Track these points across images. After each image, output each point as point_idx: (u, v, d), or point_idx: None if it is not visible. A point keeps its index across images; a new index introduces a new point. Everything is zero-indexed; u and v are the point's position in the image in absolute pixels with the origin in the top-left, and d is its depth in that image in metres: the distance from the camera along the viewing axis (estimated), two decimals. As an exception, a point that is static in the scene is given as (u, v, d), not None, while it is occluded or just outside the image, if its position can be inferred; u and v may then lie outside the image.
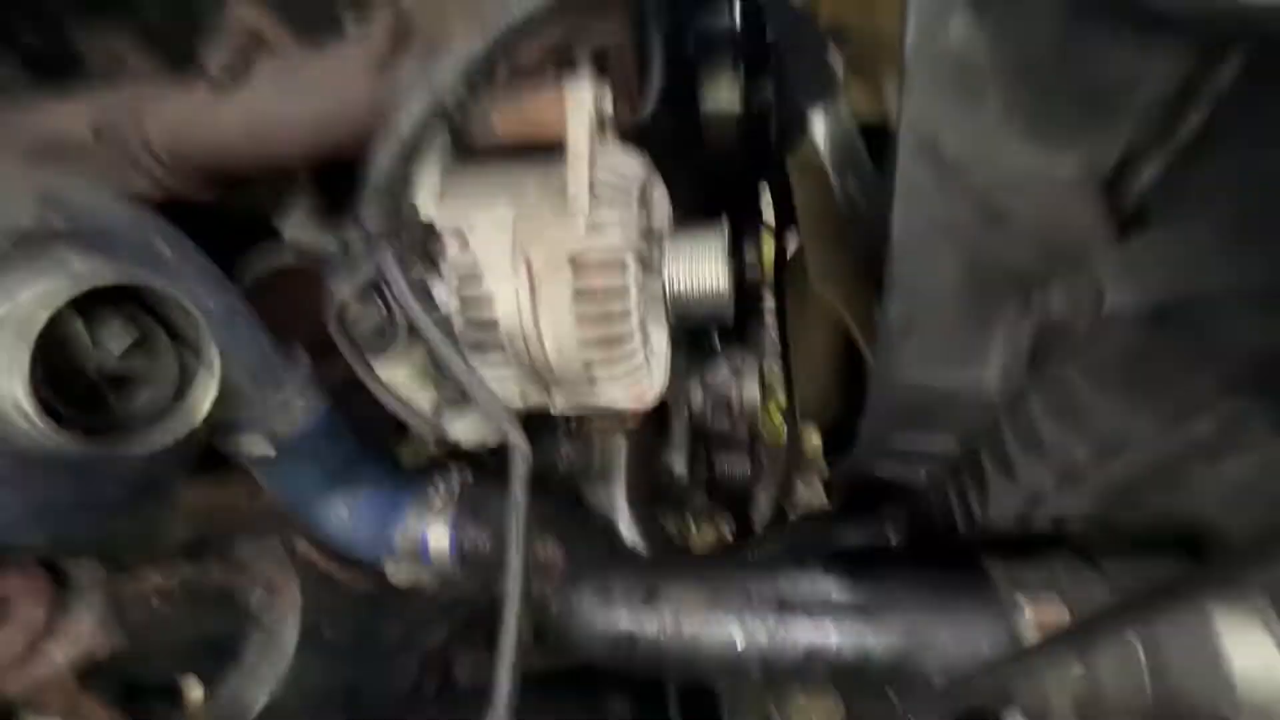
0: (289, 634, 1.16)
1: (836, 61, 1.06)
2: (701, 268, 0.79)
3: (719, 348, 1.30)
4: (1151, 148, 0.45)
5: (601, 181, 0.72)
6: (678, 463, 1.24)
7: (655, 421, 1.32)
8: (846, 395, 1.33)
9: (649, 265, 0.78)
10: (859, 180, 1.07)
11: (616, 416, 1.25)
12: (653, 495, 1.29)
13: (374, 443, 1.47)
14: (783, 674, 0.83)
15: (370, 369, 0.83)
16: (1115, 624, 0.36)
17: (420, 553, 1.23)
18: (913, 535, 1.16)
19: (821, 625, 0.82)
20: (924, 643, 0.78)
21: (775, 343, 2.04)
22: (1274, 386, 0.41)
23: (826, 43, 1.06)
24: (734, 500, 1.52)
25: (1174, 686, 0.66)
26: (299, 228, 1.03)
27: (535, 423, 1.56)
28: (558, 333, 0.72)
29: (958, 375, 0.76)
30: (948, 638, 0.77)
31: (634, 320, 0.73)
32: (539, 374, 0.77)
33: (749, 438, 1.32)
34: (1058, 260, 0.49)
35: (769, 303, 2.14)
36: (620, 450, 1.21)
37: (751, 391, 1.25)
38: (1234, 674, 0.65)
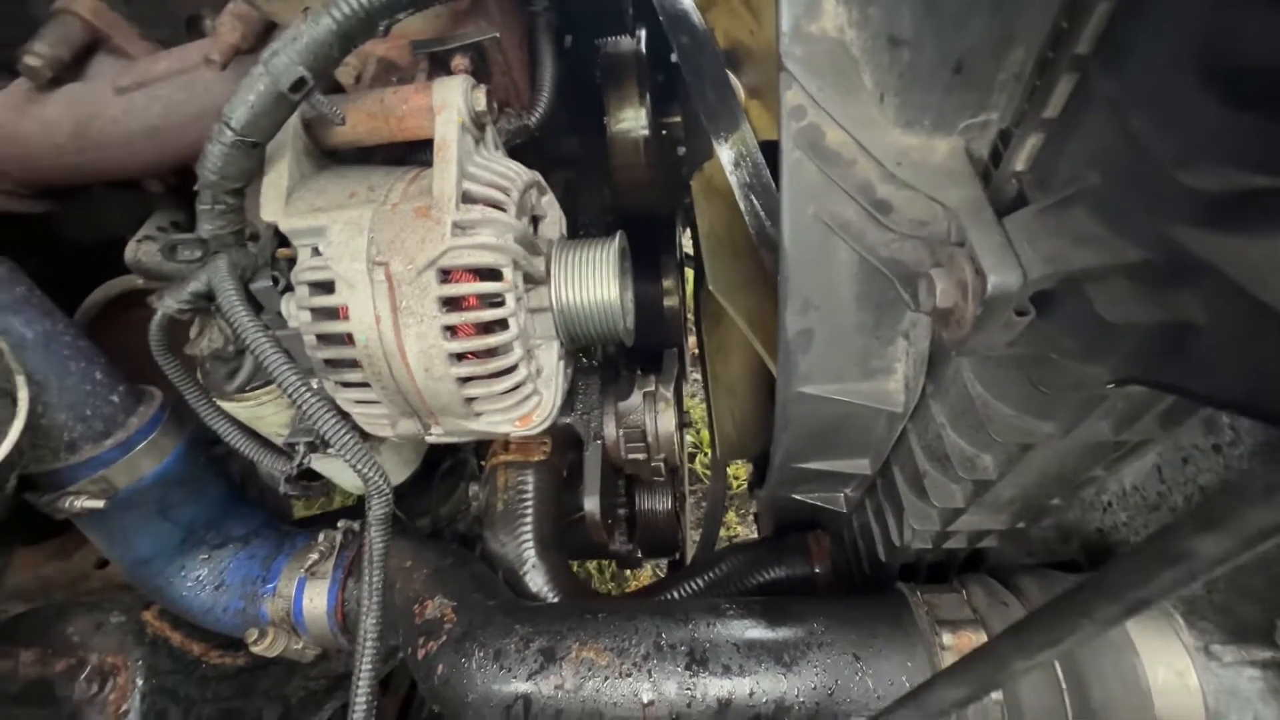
0: (121, 728, 0.96)
1: (738, 84, 1.06)
2: (592, 277, 0.73)
3: (633, 375, 1.23)
4: (1022, 125, 0.42)
5: (475, 182, 0.65)
6: (590, 504, 1.14)
7: (568, 456, 1.23)
8: (769, 426, 1.29)
9: (533, 276, 0.71)
10: (764, 200, 1.05)
11: (523, 449, 1.15)
12: (565, 536, 1.19)
13: (260, 492, 1.30)
14: (695, 731, 0.73)
15: (204, 396, 0.71)
16: (1022, 644, 0.31)
17: (294, 618, 1.07)
18: (837, 562, 1.11)
19: (736, 674, 0.74)
20: (844, 686, 0.71)
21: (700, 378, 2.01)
22: (1166, 370, 0.38)
23: (726, 66, 1.06)
24: (660, 537, 1.43)
25: (1094, 706, 0.62)
26: (143, 248, 0.90)
27: (441, 461, 1.45)
28: (423, 348, 0.63)
29: (863, 389, 0.72)
30: (869, 679, 0.70)
31: (514, 333, 0.65)
32: (405, 397, 0.67)
33: (668, 471, 1.25)
34: (941, 250, 0.46)
35: (692, 336, 2.12)
36: (528, 489, 1.11)
37: (667, 422, 1.18)
38: (1152, 688, 0.62)
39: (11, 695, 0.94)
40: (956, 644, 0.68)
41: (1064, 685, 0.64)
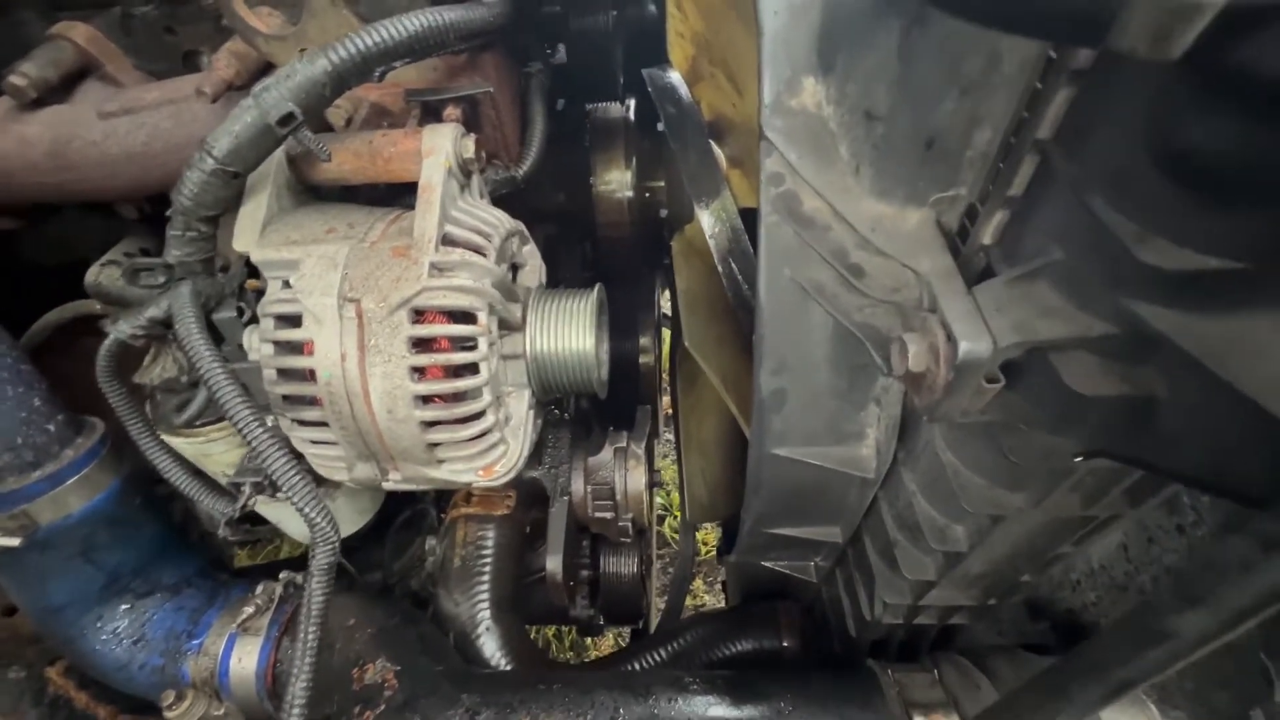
0: (-1, 806, 0.85)
1: (720, 154, 1.11)
2: (568, 327, 0.72)
3: (604, 431, 1.21)
4: (989, 201, 0.44)
5: (457, 225, 0.65)
6: (553, 563, 1.09)
7: (531, 512, 1.18)
8: (741, 489, 1.28)
9: (508, 322, 0.70)
10: (742, 264, 1.08)
11: (485, 502, 1.10)
12: (524, 598, 1.13)
13: (201, 537, 1.22)
14: (650, 822, 0.67)
15: (147, 428, 0.67)
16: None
17: (219, 679, 0.97)
18: (806, 637, 1.06)
19: (697, 754, 0.69)
20: (812, 770, 0.67)
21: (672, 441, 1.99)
22: (1131, 444, 0.38)
23: (709, 136, 1.11)
24: (624, 602, 1.36)
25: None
26: (105, 272, 0.87)
27: (399, 512, 1.38)
28: (388, 388, 0.61)
29: (835, 453, 0.72)
30: (837, 761, 0.66)
31: (484, 378, 0.64)
32: (365, 439, 0.64)
33: (636, 532, 1.21)
34: (913, 315, 0.47)
35: (667, 396, 2.12)
36: (488, 545, 1.06)
37: (637, 480, 1.15)
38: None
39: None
40: (929, 729, 0.64)
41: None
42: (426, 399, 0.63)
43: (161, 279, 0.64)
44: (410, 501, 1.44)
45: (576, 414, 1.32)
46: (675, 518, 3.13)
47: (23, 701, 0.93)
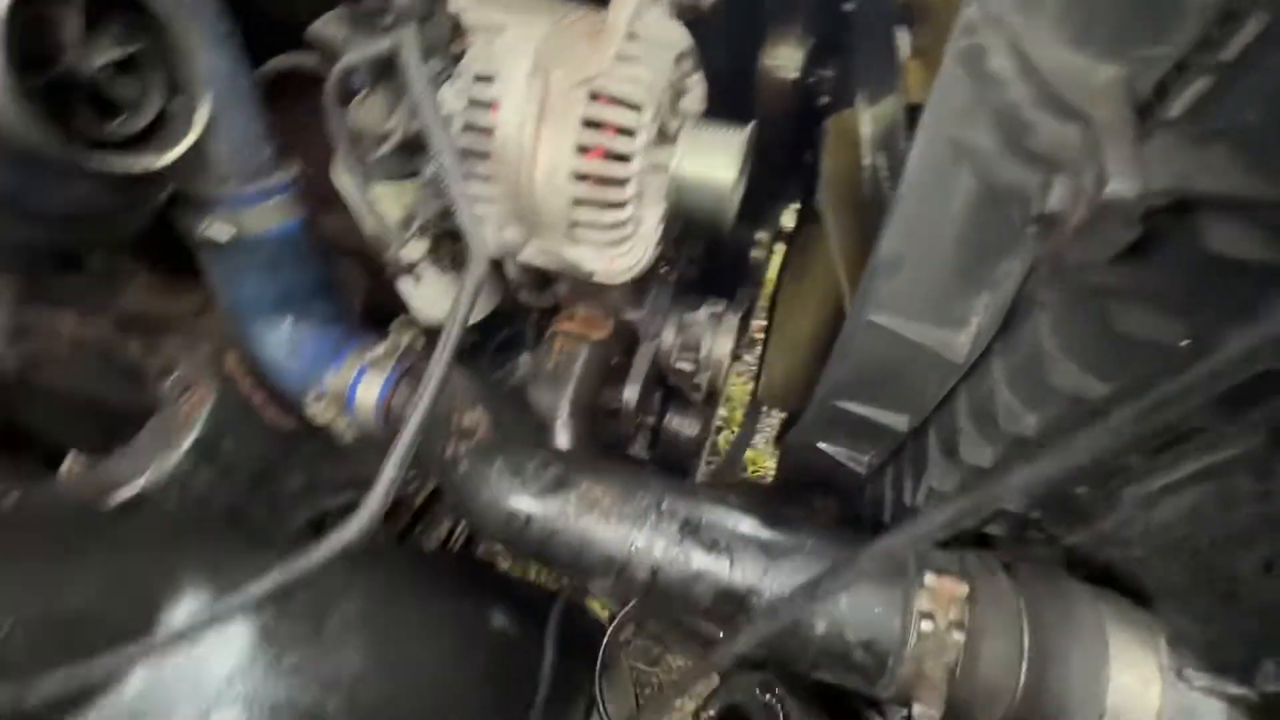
0: (186, 431, 1.11)
1: (903, 41, 1.07)
2: (715, 156, 0.77)
3: (703, 298, 1.27)
4: (1193, 66, 0.44)
5: (642, 26, 0.70)
6: (630, 391, 1.20)
7: (620, 349, 1.29)
8: (811, 388, 1.32)
9: (665, 132, 0.76)
10: (890, 158, 1.06)
11: (586, 324, 1.22)
12: (596, 422, 1.26)
13: (341, 294, 1.43)
14: (668, 586, 0.79)
15: (353, 149, 0.79)
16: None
17: (347, 398, 1.18)
18: (837, 524, 1.14)
19: (720, 551, 0.79)
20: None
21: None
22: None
23: (896, 20, 1.06)
24: (678, 459, 1.49)
25: (1048, 679, 0.64)
26: (328, 25, 0.99)
27: (498, 331, 1.54)
28: (553, 158, 0.69)
29: (931, 333, 0.74)
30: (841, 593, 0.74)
31: (632, 171, 0.70)
32: (521, 203, 0.74)
33: (706, 395, 1.30)
34: (1069, 165, 0.48)
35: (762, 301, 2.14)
36: (579, 358, 1.18)
37: (724, 345, 1.22)
38: (1110, 684, 0.63)
39: (116, 367, 1.09)
40: (937, 585, 0.71)
41: (1026, 653, 0.66)
42: (582, 176, 0.71)
43: (389, 19, 0.73)
44: (510, 323, 1.60)
45: (679, 280, 1.39)
46: (731, 432, 3.24)
47: (210, 367, 1.18)
